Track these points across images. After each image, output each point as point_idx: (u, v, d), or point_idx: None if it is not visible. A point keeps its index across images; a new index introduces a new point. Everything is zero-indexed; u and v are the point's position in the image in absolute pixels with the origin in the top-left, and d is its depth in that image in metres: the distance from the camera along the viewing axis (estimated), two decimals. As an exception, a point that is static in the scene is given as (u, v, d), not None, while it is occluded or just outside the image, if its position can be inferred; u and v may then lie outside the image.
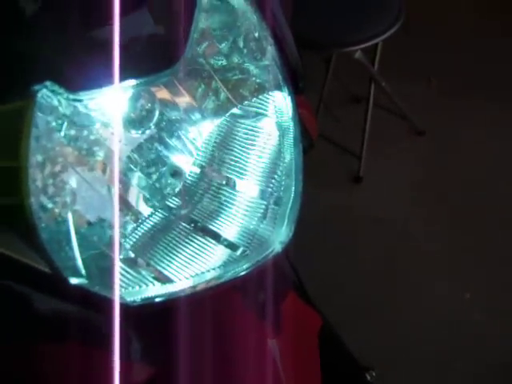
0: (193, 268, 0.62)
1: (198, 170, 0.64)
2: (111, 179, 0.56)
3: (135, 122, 0.57)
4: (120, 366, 0.58)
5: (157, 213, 0.63)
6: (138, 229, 0.62)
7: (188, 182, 0.64)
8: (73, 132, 0.54)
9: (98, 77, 0.52)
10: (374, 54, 2.06)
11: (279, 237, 0.65)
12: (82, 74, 0.51)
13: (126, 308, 0.58)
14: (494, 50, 2.54)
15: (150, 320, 0.66)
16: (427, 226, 2.01)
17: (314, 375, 0.84)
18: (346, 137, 2.20)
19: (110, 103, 0.55)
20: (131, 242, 0.62)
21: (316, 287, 1.01)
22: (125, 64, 0.51)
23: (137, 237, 0.62)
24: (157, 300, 0.61)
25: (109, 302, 0.57)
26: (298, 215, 0.65)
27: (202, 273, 0.63)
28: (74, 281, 0.56)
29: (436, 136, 2.27)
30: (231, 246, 0.65)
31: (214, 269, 0.63)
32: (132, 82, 0.53)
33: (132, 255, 0.62)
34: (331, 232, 2.01)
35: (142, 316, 0.64)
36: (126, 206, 0.59)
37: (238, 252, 0.65)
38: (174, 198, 0.63)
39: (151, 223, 0.63)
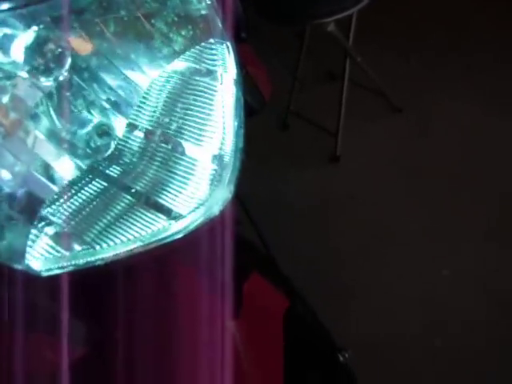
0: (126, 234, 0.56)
1: (141, 135, 0.59)
2: (12, 126, 0.49)
3: (43, 67, 0.51)
4: (44, 344, 0.52)
5: (94, 182, 0.58)
6: (73, 199, 0.57)
7: (127, 145, 0.58)
8: None
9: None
10: (349, 28, 2.00)
11: (219, 199, 0.60)
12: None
13: (35, 278, 0.52)
14: (475, 27, 2.51)
15: (83, 296, 0.61)
16: (404, 202, 1.97)
17: (275, 360, 0.80)
18: (321, 115, 2.16)
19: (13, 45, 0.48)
20: (61, 214, 0.56)
21: (289, 266, 0.98)
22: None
23: (72, 207, 0.57)
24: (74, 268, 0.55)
25: (14, 272, 0.51)
26: (237, 177, 0.60)
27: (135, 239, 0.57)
28: None
29: (413, 113, 2.24)
30: (174, 216, 0.59)
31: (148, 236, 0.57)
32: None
33: (59, 228, 0.55)
34: (308, 210, 1.97)
35: (74, 292, 0.58)
36: (31, 157, 0.52)
37: (179, 220, 0.59)
38: (113, 166, 0.58)
39: (88, 193, 0.58)
